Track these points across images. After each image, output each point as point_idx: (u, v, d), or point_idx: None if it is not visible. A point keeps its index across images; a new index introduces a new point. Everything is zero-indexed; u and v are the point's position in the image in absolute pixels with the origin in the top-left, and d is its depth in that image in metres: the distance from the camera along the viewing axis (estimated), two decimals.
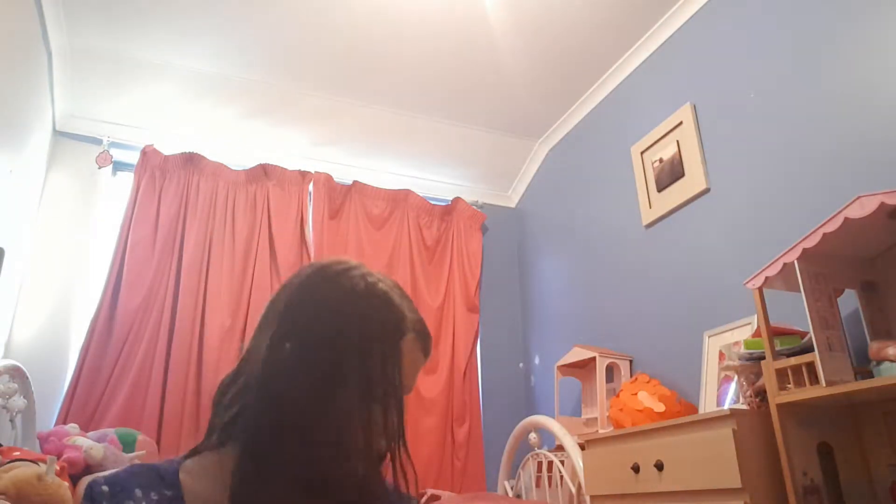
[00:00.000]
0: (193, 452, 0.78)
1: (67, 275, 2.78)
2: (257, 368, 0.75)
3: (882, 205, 1.30)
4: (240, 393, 0.77)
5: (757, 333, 1.74)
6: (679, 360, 2.28)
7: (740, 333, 1.98)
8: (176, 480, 0.73)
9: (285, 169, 3.20)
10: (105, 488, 0.69)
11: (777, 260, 1.50)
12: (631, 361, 2.56)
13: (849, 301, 1.59)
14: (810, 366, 1.39)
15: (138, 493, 0.69)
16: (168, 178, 2.98)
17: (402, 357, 0.78)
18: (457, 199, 3.56)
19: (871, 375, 1.40)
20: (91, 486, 0.70)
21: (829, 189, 1.81)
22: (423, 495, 2.38)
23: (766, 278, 1.53)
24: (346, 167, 3.41)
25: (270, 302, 0.82)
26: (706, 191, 2.31)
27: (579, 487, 2.26)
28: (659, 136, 2.56)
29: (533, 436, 2.68)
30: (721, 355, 2.04)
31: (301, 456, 0.72)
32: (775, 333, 1.56)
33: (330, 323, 0.75)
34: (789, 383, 1.43)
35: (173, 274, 2.83)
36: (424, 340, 0.82)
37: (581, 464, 2.18)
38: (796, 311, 1.51)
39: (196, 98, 3.00)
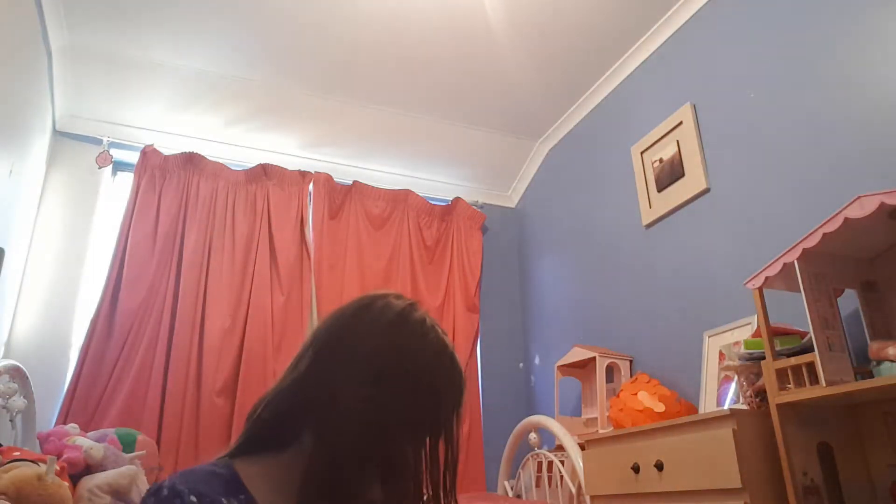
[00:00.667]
0: (236, 454, 0.79)
1: (67, 275, 2.78)
2: (334, 403, 0.78)
3: (882, 205, 1.30)
4: (295, 410, 0.80)
5: (757, 333, 1.74)
6: (679, 360, 2.28)
7: (740, 333, 1.98)
8: (242, 485, 0.74)
9: (285, 169, 3.20)
10: (193, 499, 0.67)
11: (777, 260, 1.50)
12: (631, 361, 2.56)
13: (849, 301, 1.58)
14: (810, 366, 1.39)
15: (224, 501, 0.70)
16: (168, 178, 2.98)
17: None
18: (457, 199, 3.56)
19: (871, 375, 1.40)
20: (175, 497, 0.67)
21: (829, 189, 1.81)
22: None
23: (766, 278, 1.53)
24: (346, 167, 3.41)
25: (331, 332, 0.85)
26: (706, 191, 2.31)
27: (579, 487, 2.26)
28: (659, 136, 2.56)
29: (533, 436, 2.68)
30: (721, 355, 2.04)
31: (371, 493, 0.77)
32: (775, 333, 1.56)
33: (427, 386, 0.82)
34: (789, 383, 1.43)
35: (173, 274, 2.83)
36: None
37: (581, 464, 2.18)
38: (796, 311, 1.51)
39: (196, 98, 3.00)
